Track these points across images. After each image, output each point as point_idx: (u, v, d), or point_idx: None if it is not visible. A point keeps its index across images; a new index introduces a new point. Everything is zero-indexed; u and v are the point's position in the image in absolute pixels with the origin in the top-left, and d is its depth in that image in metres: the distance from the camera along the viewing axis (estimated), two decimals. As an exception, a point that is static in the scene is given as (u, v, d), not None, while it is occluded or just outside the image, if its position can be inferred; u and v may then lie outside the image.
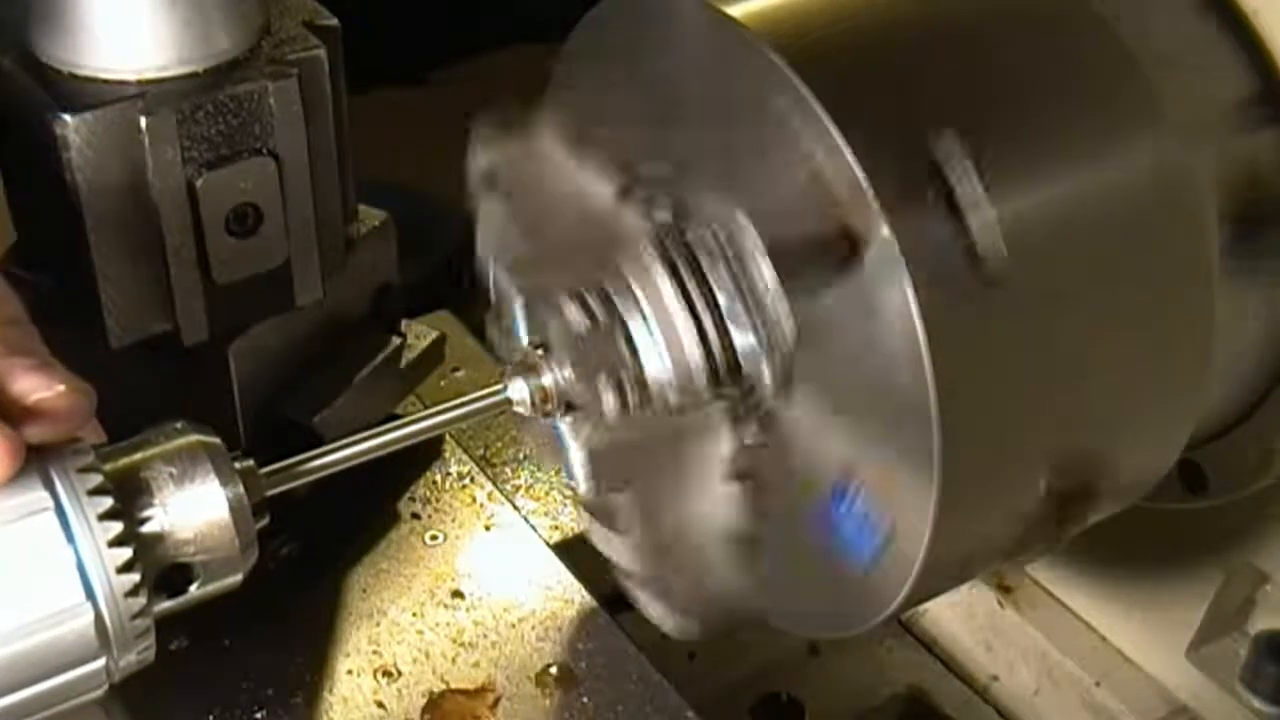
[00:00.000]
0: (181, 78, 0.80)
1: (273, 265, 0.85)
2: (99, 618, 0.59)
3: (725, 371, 0.68)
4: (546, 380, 0.72)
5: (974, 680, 1.08)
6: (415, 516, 0.98)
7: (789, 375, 0.67)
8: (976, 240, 0.64)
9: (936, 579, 0.71)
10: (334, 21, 0.87)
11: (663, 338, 0.69)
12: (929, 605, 1.09)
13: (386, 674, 0.87)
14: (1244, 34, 0.78)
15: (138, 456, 0.62)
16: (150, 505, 0.61)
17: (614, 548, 0.76)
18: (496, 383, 0.73)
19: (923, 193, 0.63)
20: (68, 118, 0.77)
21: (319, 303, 0.89)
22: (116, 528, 0.59)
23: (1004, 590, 1.06)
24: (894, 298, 0.62)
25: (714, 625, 0.76)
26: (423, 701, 0.86)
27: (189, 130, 0.79)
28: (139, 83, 0.79)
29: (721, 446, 0.69)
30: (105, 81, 0.79)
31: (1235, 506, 0.87)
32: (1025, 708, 1.05)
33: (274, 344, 0.90)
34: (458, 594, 0.93)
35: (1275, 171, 0.78)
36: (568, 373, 0.72)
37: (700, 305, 0.68)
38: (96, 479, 0.59)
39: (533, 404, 0.73)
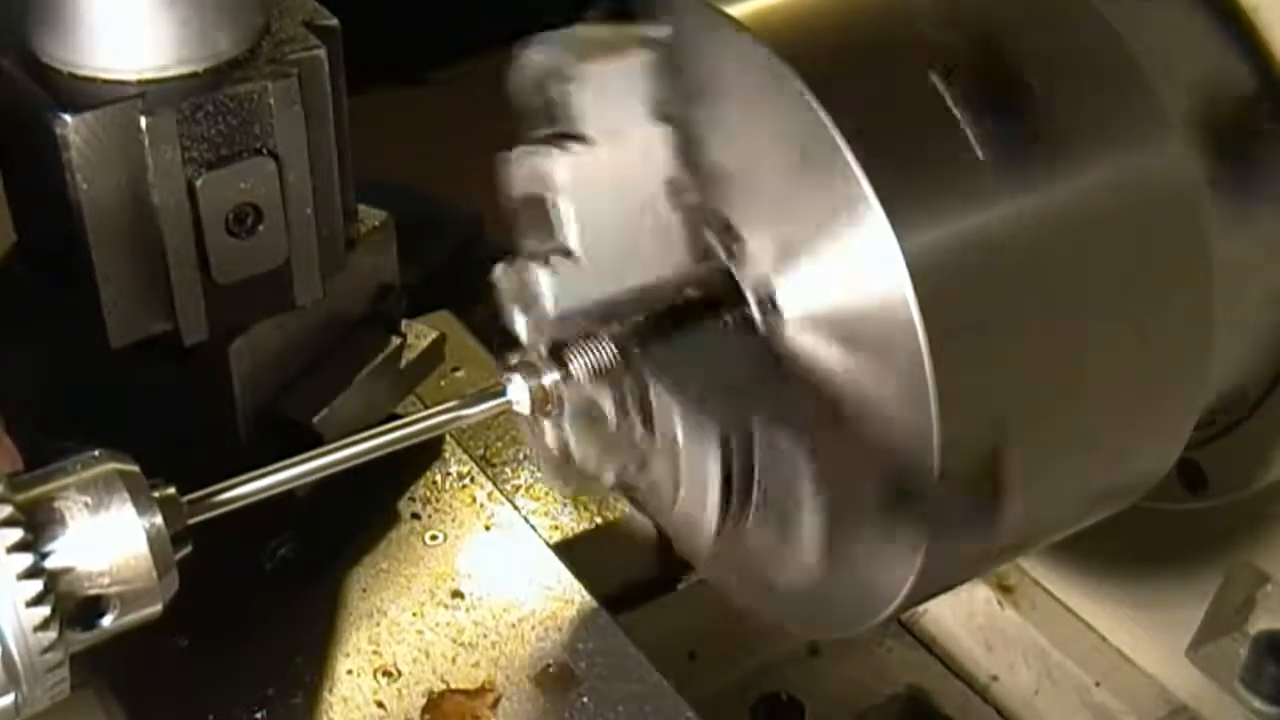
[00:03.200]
0: (181, 78, 0.80)
1: (273, 265, 0.85)
2: (6, 653, 0.57)
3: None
4: (547, 380, 0.72)
5: (974, 680, 1.08)
6: (415, 516, 0.98)
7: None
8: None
9: (936, 579, 0.71)
10: (334, 21, 0.87)
11: (688, 484, 0.69)
12: (929, 605, 1.09)
13: (386, 674, 0.87)
14: (1244, 33, 0.78)
15: (50, 486, 0.60)
16: (63, 536, 0.59)
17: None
18: (496, 383, 0.73)
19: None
20: (68, 118, 0.76)
21: (319, 303, 0.89)
22: (26, 560, 0.57)
23: (1004, 590, 1.06)
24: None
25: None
26: (423, 701, 0.86)
27: (189, 130, 0.79)
28: (139, 83, 0.79)
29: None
30: (105, 81, 0.79)
31: (1235, 506, 0.87)
32: (1025, 708, 1.05)
33: (274, 344, 0.90)
34: (458, 594, 0.93)
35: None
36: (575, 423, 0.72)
37: (735, 489, 0.67)
38: (6, 510, 0.57)
39: (533, 404, 0.72)
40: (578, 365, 0.70)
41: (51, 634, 0.58)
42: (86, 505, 0.60)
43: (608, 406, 0.69)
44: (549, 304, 0.72)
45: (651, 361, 0.69)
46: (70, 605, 0.60)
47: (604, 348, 0.70)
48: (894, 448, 0.65)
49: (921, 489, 0.65)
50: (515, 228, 0.74)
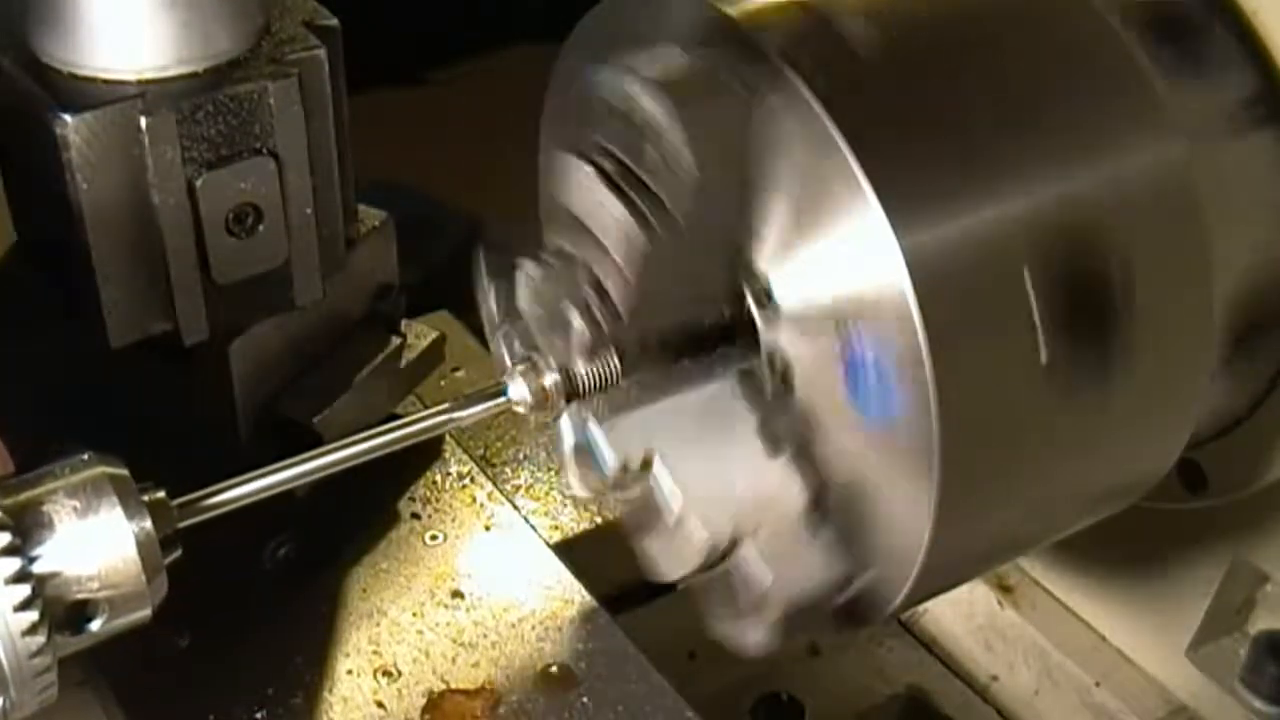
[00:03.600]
0: (181, 78, 0.80)
1: (273, 265, 0.85)
2: None
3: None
4: (547, 380, 0.72)
5: (974, 680, 1.08)
6: (415, 516, 0.98)
7: None
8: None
9: (937, 579, 0.71)
10: (334, 21, 0.87)
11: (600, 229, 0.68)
12: (929, 605, 1.09)
13: (386, 674, 0.87)
14: (1244, 34, 0.78)
15: (39, 490, 0.60)
16: (51, 540, 0.59)
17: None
18: (496, 383, 0.73)
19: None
20: (68, 118, 0.76)
21: (319, 303, 0.89)
22: (14, 564, 0.57)
23: (1004, 590, 1.06)
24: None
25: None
26: (423, 701, 0.86)
27: (189, 130, 0.79)
28: (139, 83, 0.79)
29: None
30: (105, 81, 0.79)
31: (1235, 506, 0.87)
32: (1025, 708, 1.05)
33: (274, 344, 0.90)
34: (458, 594, 0.93)
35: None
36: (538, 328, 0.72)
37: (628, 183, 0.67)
38: None
39: (533, 404, 0.72)
40: (578, 370, 0.70)
41: (40, 638, 0.58)
42: (75, 509, 0.60)
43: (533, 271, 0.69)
44: (529, 301, 0.72)
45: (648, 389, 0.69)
46: (59, 610, 0.59)
47: (606, 356, 0.70)
48: (894, 446, 0.66)
49: (921, 486, 0.65)
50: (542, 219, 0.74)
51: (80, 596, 0.60)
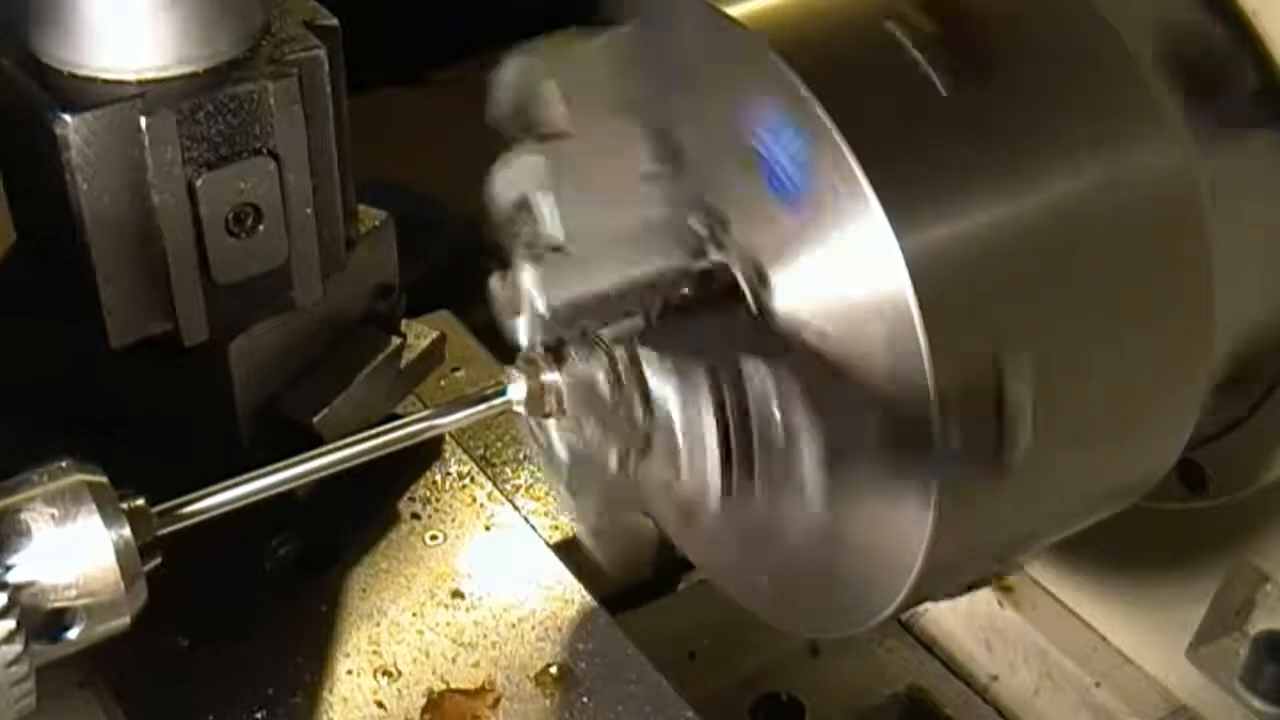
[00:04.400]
0: (181, 78, 0.80)
1: (273, 265, 0.85)
2: None
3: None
4: (547, 380, 0.72)
5: (974, 680, 1.08)
6: (415, 516, 0.98)
7: None
8: (1006, 447, 0.64)
9: (937, 580, 0.71)
10: (334, 21, 0.87)
11: (687, 447, 0.68)
12: (929, 605, 1.09)
13: (386, 674, 0.87)
14: (1244, 34, 0.78)
15: (16, 497, 0.60)
16: (28, 548, 0.59)
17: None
18: (496, 383, 0.73)
19: (979, 394, 0.64)
20: (68, 118, 0.76)
21: (319, 303, 0.89)
22: None
23: (1004, 590, 1.06)
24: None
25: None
26: (423, 701, 0.86)
27: (189, 130, 0.79)
28: (139, 83, 0.79)
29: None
30: (105, 81, 0.79)
31: (1235, 506, 0.87)
32: (1025, 708, 1.05)
33: (274, 344, 0.90)
34: (458, 594, 0.92)
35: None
36: (574, 402, 0.72)
37: (735, 447, 0.67)
38: None
39: (533, 405, 0.72)
40: (575, 359, 0.70)
41: (16, 647, 0.58)
42: (53, 517, 0.60)
43: (601, 378, 0.69)
44: (539, 298, 0.72)
45: (645, 344, 0.69)
46: (36, 618, 0.59)
47: (600, 343, 0.70)
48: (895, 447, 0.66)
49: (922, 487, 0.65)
50: (508, 241, 0.74)
51: (58, 605, 0.60)
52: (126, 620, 0.62)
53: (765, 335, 0.68)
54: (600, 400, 0.69)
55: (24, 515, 0.59)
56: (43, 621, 0.59)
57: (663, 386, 0.68)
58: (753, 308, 0.68)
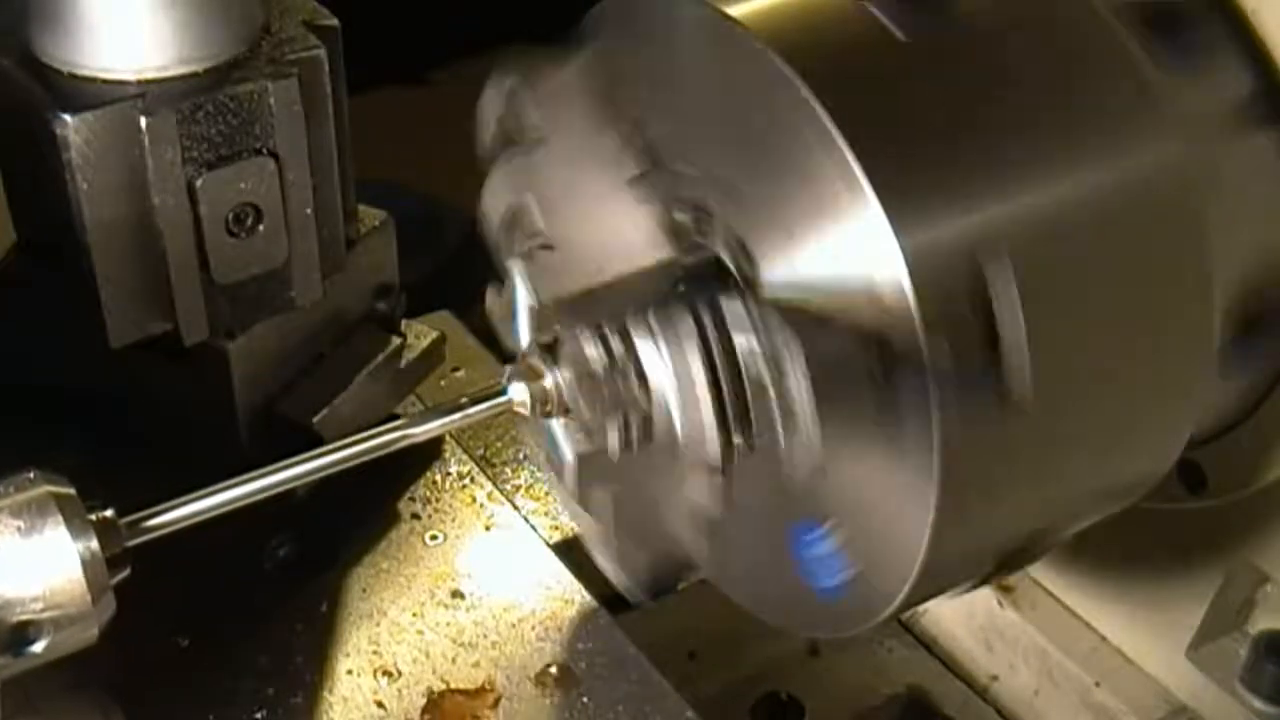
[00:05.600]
0: (181, 78, 0.80)
1: (273, 265, 0.85)
2: None
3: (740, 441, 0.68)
4: (548, 382, 0.72)
5: (974, 680, 1.08)
6: (415, 516, 0.98)
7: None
8: (1007, 377, 0.64)
9: (936, 580, 0.71)
10: (334, 21, 0.87)
11: (680, 402, 0.68)
12: (929, 605, 1.09)
13: (386, 674, 0.87)
14: (1243, 33, 0.78)
15: None
16: None
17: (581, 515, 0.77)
18: (496, 383, 0.73)
19: (966, 321, 0.63)
20: (68, 118, 0.76)
21: (319, 303, 0.89)
22: None
23: (1004, 590, 1.06)
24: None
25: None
26: (423, 701, 0.86)
27: (189, 130, 0.79)
28: (139, 83, 0.79)
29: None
30: (105, 81, 0.79)
31: (1235, 506, 0.87)
32: (1025, 708, 1.05)
33: (274, 344, 0.90)
34: (458, 594, 0.92)
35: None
36: (572, 388, 0.72)
37: (727, 391, 0.67)
38: None
39: (533, 405, 0.72)
40: (571, 354, 0.70)
41: None
42: (19, 529, 0.59)
43: (597, 365, 0.69)
44: (533, 296, 0.72)
45: (639, 332, 0.69)
46: (1, 631, 0.59)
47: (594, 334, 0.70)
48: (895, 447, 0.66)
49: (922, 487, 0.65)
50: (501, 254, 0.75)
51: (23, 618, 0.59)
52: (94, 633, 0.61)
53: (753, 309, 0.68)
54: (597, 387, 0.69)
55: None
56: (8, 634, 0.59)
57: (656, 361, 0.68)
58: (742, 286, 0.69)
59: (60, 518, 0.60)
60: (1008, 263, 0.64)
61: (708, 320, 0.67)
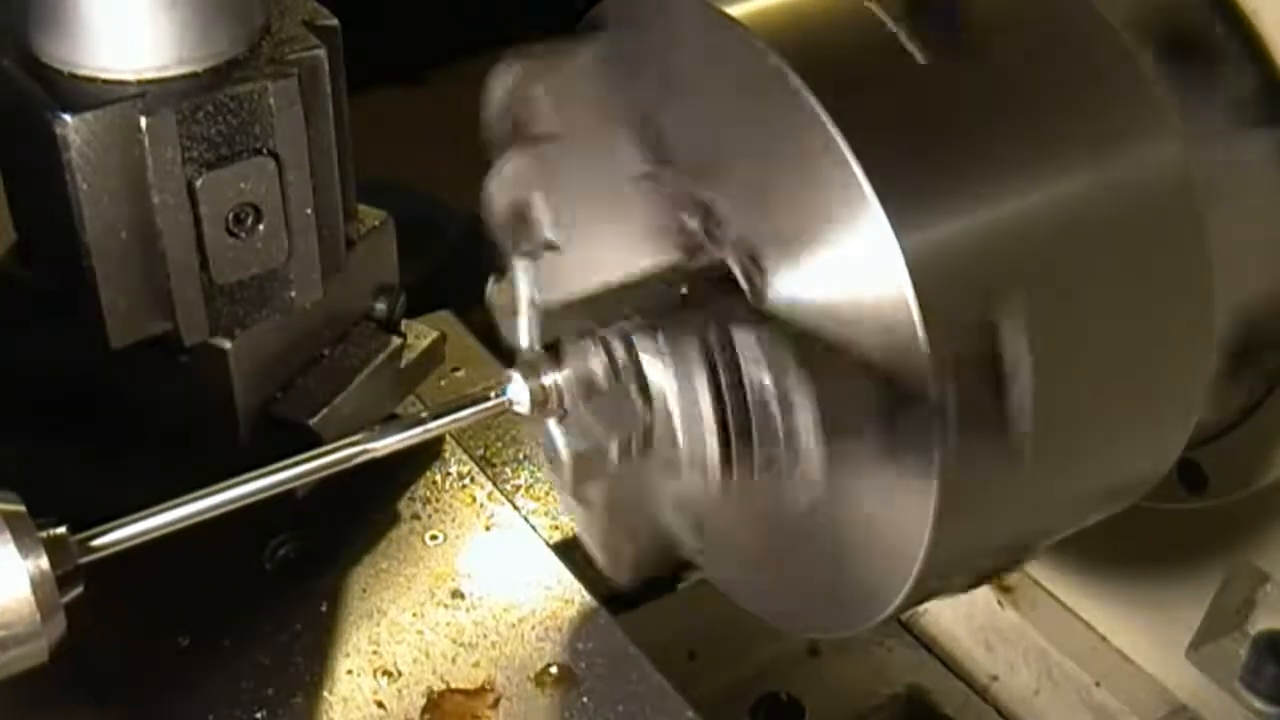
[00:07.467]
0: (181, 78, 0.80)
1: (273, 265, 0.85)
2: None
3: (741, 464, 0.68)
4: (547, 383, 0.72)
5: (974, 680, 1.08)
6: (415, 516, 0.98)
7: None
8: (1010, 413, 0.64)
9: (936, 581, 0.71)
10: (334, 21, 0.87)
11: (684, 427, 0.68)
12: (929, 605, 1.09)
13: (386, 674, 0.87)
14: (1244, 34, 0.78)
15: None
16: None
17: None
18: (496, 383, 0.73)
19: (976, 359, 0.63)
20: (68, 118, 0.76)
21: (319, 303, 0.89)
22: None
23: (1004, 590, 1.06)
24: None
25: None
26: (423, 701, 0.86)
27: (189, 130, 0.79)
28: (139, 83, 0.79)
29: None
30: (105, 81, 0.79)
31: (1235, 506, 0.87)
32: (1025, 708, 1.05)
33: (274, 344, 0.90)
34: (458, 594, 0.92)
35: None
36: (572, 391, 0.72)
37: (732, 424, 0.67)
38: None
39: (533, 406, 0.72)
40: (573, 357, 0.70)
41: None
42: None
43: (599, 372, 0.69)
44: (536, 297, 0.72)
45: (643, 338, 0.69)
46: None
47: (598, 339, 0.70)
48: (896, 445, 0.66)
49: (922, 487, 0.65)
50: (505, 247, 0.75)
51: None
52: (44, 653, 0.60)
53: (761, 322, 0.68)
54: (599, 394, 0.69)
55: None
56: None
57: (660, 376, 0.68)
58: (749, 298, 0.68)
59: (9, 535, 0.59)
60: (1011, 268, 0.65)
61: (714, 341, 0.67)
